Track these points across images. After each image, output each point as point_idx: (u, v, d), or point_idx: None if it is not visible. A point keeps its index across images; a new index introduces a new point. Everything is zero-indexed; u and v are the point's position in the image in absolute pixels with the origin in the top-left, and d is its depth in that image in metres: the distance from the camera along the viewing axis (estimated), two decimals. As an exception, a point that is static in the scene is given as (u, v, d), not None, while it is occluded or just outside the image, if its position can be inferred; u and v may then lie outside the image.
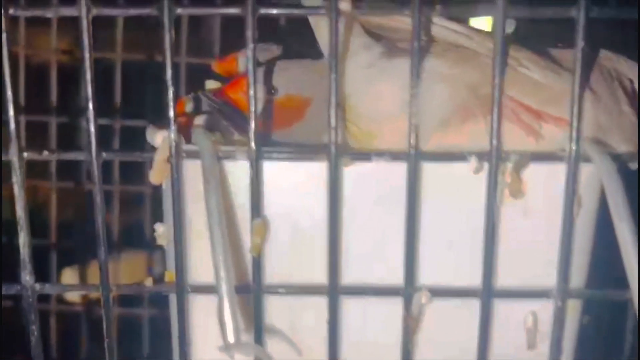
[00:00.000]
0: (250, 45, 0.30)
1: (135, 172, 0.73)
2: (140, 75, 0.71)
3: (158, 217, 0.74)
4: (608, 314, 0.56)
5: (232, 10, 0.30)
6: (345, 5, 0.30)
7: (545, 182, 0.33)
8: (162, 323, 0.44)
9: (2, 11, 0.30)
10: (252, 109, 0.30)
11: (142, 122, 0.67)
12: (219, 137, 0.32)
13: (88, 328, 0.75)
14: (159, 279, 0.36)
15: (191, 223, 0.34)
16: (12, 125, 0.31)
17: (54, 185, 0.73)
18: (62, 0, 0.30)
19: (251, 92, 0.30)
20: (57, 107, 0.73)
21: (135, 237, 0.74)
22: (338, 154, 0.31)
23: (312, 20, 0.37)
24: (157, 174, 0.32)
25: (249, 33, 0.30)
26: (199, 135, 0.32)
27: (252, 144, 0.30)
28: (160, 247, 0.38)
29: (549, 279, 0.32)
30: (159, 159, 0.31)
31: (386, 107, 0.35)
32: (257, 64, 0.50)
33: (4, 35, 0.30)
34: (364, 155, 0.32)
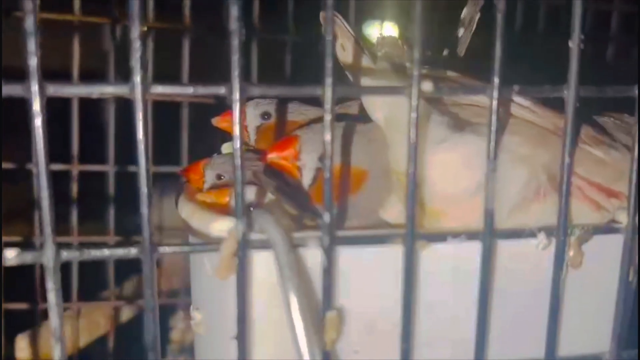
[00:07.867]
0: (328, 130, 0.28)
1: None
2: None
3: (120, 269, 0.66)
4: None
5: (312, 91, 0.27)
6: (428, 86, 0.28)
7: (597, 252, 0.34)
8: None
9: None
10: (328, 197, 0.28)
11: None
12: (288, 221, 0.29)
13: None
14: None
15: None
16: (49, 228, 0.26)
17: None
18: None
19: (327, 186, 0.28)
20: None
21: (97, 289, 0.67)
22: (415, 238, 0.29)
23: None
24: (225, 271, 0.28)
25: (328, 117, 0.28)
26: (268, 223, 0.29)
27: (326, 233, 0.28)
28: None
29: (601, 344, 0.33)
30: (226, 254, 0.28)
31: (460, 185, 0.34)
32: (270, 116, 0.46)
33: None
34: (440, 237, 0.30)
